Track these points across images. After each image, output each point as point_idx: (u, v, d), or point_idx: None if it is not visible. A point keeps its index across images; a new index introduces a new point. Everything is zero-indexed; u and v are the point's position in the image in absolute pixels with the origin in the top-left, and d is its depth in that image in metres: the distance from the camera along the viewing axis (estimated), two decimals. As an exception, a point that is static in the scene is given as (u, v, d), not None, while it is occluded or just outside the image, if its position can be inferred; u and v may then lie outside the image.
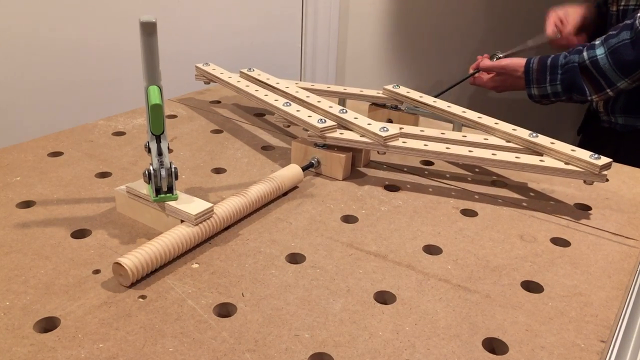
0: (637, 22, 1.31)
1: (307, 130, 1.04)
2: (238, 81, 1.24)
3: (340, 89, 1.29)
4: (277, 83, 1.23)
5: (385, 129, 1.00)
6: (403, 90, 1.24)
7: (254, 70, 1.31)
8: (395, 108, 1.24)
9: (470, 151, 0.97)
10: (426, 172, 1.06)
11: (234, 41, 1.89)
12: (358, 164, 1.07)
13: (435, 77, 2.42)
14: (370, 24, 2.28)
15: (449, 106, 1.16)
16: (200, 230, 0.80)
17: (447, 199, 0.98)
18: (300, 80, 2.14)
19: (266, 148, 1.15)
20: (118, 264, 0.71)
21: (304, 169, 1.00)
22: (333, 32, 2.15)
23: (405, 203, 0.96)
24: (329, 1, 2.11)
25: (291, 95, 1.17)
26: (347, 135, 1.01)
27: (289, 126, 1.09)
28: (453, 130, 1.16)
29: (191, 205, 0.80)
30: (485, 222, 0.91)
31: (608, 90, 1.38)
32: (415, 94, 1.23)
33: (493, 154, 0.96)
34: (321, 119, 1.03)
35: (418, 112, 1.22)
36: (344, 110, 1.06)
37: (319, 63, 2.17)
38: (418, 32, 2.37)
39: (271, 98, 1.13)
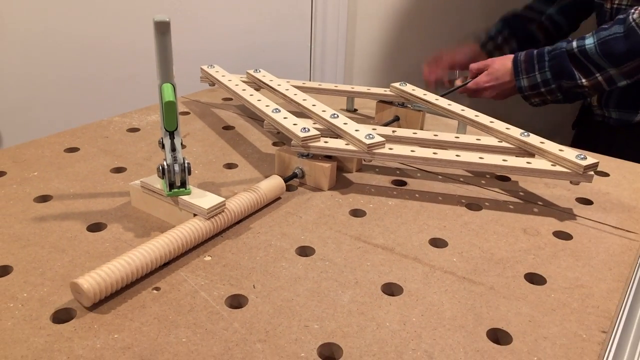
0: (630, 17, 1.28)
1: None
2: (236, 84, 1.20)
3: (348, 87, 1.28)
4: (279, 85, 1.20)
5: (371, 136, 0.93)
6: (409, 87, 1.23)
7: (260, 71, 1.29)
8: (403, 105, 1.23)
9: (457, 155, 0.93)
10: (418, 175, 1.03)
11: (244, 40, 1.88)
12: (350, 169, 1.03)
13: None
14: (378, 23, 2.27)
15: (449, 104, 1.14)
16: (213, 224, 0.79)
17: (453, 193, 0.97)
18: (310, 80, 2.13)
19: (277, 144, 1.14)
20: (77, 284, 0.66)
21: (287, 179, 0.93)
22: (341, 31, 2.14)
23: (410, 197, 0.95)
24: (338, 1, 2.10)
25: (289, 98, 1.13)
26: (332, 143, 0.95)
27: (278, 132, 1.03)
28: (458, 127, 1.15)
29: (204, 199, 0.80)
30: (490, 215, 0.90)
31: (597, 75, 1.34)
32: (419, 92, 1.21)
33: (480, 158, 0.93)
34: (304, 128, 0.95)
35: (423, 109, 1.21)
36: (335, 115, 1.01)
37: (328, 62, 2.16)
38: (426, 31, 2.36)
39: (263, 103, 1.07)
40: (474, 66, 1.55)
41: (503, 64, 1.49)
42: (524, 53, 1.45)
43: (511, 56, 1.48)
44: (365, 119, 1.30)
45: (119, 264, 0.67)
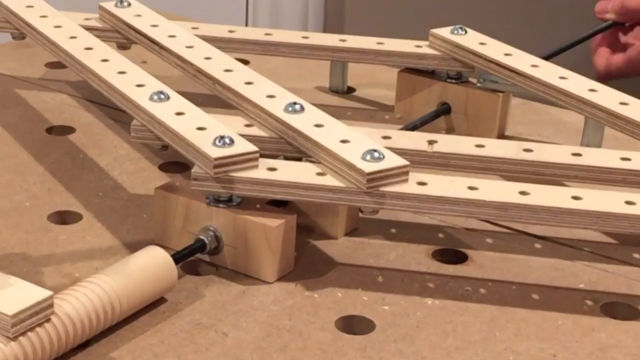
0: None
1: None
2: (72, 36, 1.12)
3: (333, 40, 1.21)
4: (172, 36, 1.14)
5: (376, 153, 0.86)
6: (472, 39, 1.15)
7: (129, 4, 1.22)
8: (459, 79, 1.15)
9: (577, 198, 0.86)
10: (489, 240, 0.97)
11: None
12: (330, 229, 0.95)
13: (535, 21, 2.34)
14: None
15: (561, 77, 1.08)
16: (24, 350, 0.70)
17: (573, 282, 0.90)
18: (246, 24, 2.07)
19: (167, 168, 1.07)
20: None
21: (181, 257, 0.85)
22: None
23: (474, 290, 0.88)
24: None
25: (194, 66, 1.07)
26: (286, 172, 0.87)
27: (165, 147, 0.96)
28: (584, 130, 1.08)
29: (5, 293, 0.72)
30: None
31: None
32: (496, 48, 1.14)
33: (629, 203, 0.86)
34: (222, 138, 0.87)
35: (506, 87, 1.13)
36: (299, 107, 0.95)
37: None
38: None
39: (129, 80, 1.00)
40: (631, 3, 1.52)
41: None
42: None
43: None
44: (371, 112, 1.23)
45: None
